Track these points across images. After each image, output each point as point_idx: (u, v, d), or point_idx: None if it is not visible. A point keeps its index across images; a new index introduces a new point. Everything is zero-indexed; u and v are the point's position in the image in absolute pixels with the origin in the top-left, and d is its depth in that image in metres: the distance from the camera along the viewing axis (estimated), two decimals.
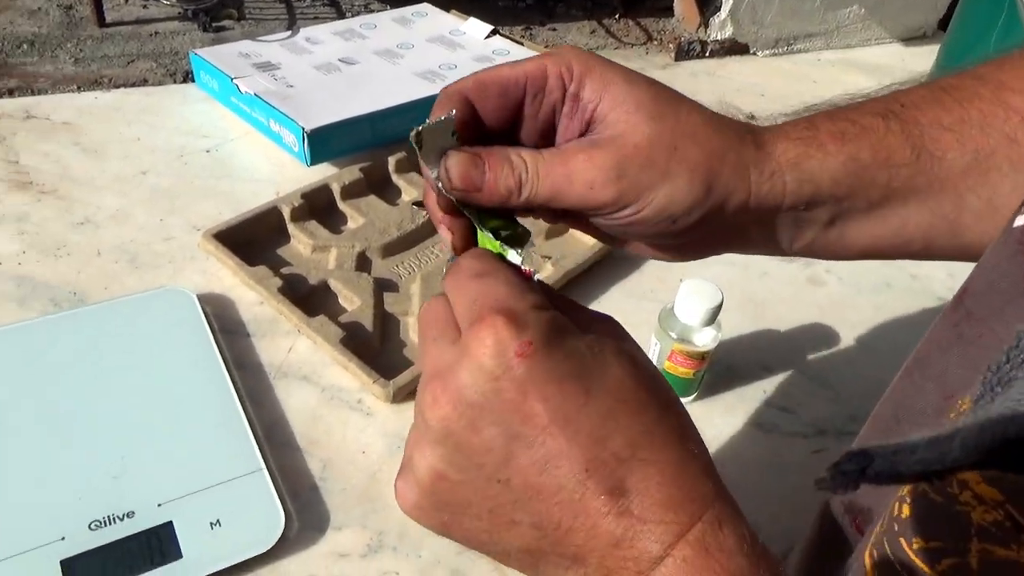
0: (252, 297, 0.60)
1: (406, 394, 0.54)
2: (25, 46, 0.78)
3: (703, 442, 0.27)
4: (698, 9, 1.07)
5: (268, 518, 0.46)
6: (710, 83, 1.02)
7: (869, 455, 0.24)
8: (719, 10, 1.05)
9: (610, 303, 0.64)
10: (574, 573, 0.26)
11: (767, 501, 0.51)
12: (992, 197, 0.31)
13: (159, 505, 0.46)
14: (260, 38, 0.83)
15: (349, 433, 0.53)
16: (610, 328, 0.28)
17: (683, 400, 0.28)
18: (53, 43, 0.76)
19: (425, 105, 0.75)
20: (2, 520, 0.44)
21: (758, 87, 1.02)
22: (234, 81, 0.74)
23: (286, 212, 0.65)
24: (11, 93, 0.73)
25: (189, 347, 0.55)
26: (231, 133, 0.76)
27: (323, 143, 0.68)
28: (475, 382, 0.25)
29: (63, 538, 0.43)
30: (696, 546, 0.24)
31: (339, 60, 0.80)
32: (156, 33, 0.86)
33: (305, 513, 0.48)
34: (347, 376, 0.55)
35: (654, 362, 0.56)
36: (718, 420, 0.57)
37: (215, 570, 0.44)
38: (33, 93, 0.75)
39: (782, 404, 0.59)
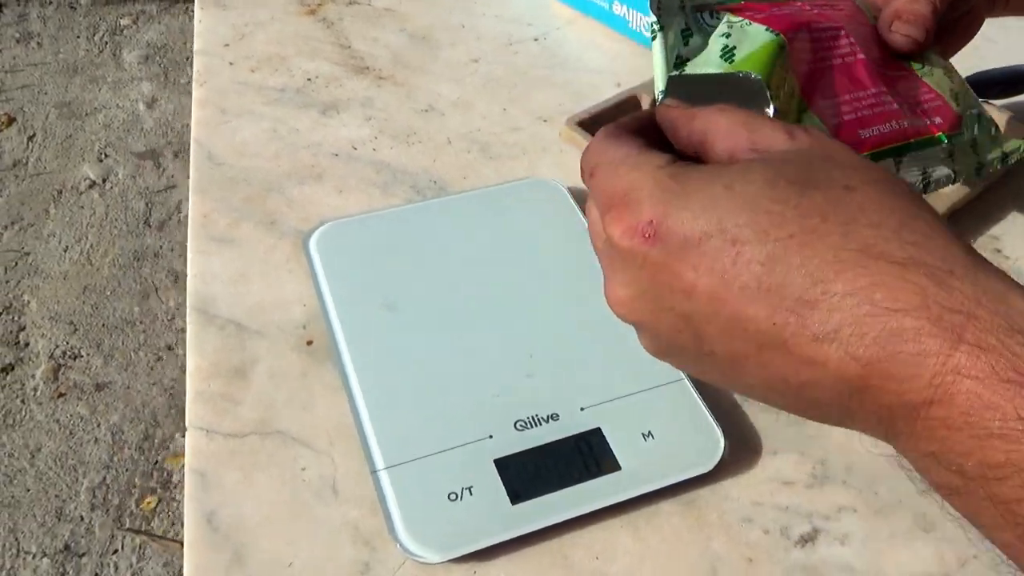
0: None
1: None
2: None
3: (917, 218, 0.21)
4: None
5: (703, 434, 0.41)
6: None
7: None
8: None
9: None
10: (852, 425, 0.24)
11: None
12: None
13: (582, 409, 0.41)
14: None
15: None
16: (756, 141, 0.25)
17: None
18: None
19: None
20: (433, 415, 0.41)
21: None
22: None
23: (645, 103, 0.58)
24: None
25: (571, 242, 0.50)
26: (556, 21, 0.70)
27: None
28: (628, 279, 0.25)
29: (491, 436, 0.40)
30: (973, 368, 0.19)
31: None
32: None
33: (733, 433, 0.42)
34: None
35: None
36: None
37: (660, 486, 0.39)
38: None
39: None
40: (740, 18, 0.38)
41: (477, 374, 0.43)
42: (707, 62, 0.37)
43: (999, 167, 0.42)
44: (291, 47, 0.66)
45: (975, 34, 0.43)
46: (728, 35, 0.37)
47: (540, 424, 0.41)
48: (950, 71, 0.40)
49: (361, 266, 0.48)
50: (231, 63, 0.65)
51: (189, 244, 0.50)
